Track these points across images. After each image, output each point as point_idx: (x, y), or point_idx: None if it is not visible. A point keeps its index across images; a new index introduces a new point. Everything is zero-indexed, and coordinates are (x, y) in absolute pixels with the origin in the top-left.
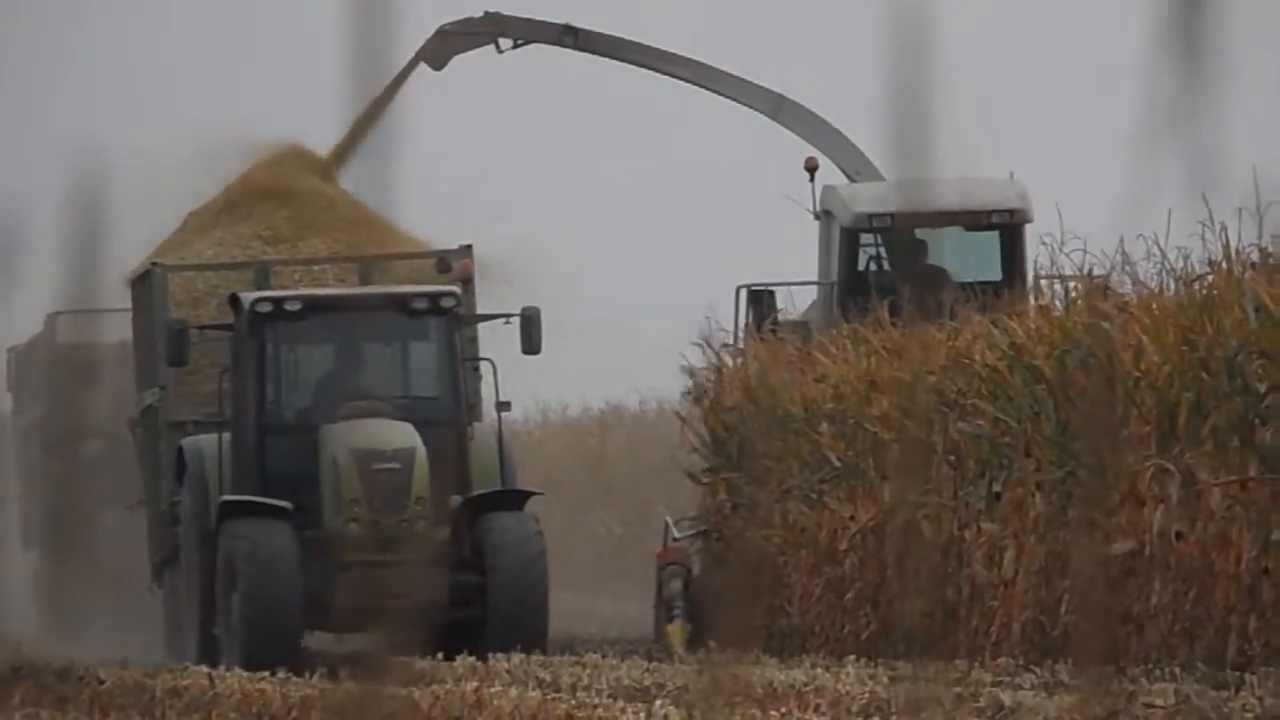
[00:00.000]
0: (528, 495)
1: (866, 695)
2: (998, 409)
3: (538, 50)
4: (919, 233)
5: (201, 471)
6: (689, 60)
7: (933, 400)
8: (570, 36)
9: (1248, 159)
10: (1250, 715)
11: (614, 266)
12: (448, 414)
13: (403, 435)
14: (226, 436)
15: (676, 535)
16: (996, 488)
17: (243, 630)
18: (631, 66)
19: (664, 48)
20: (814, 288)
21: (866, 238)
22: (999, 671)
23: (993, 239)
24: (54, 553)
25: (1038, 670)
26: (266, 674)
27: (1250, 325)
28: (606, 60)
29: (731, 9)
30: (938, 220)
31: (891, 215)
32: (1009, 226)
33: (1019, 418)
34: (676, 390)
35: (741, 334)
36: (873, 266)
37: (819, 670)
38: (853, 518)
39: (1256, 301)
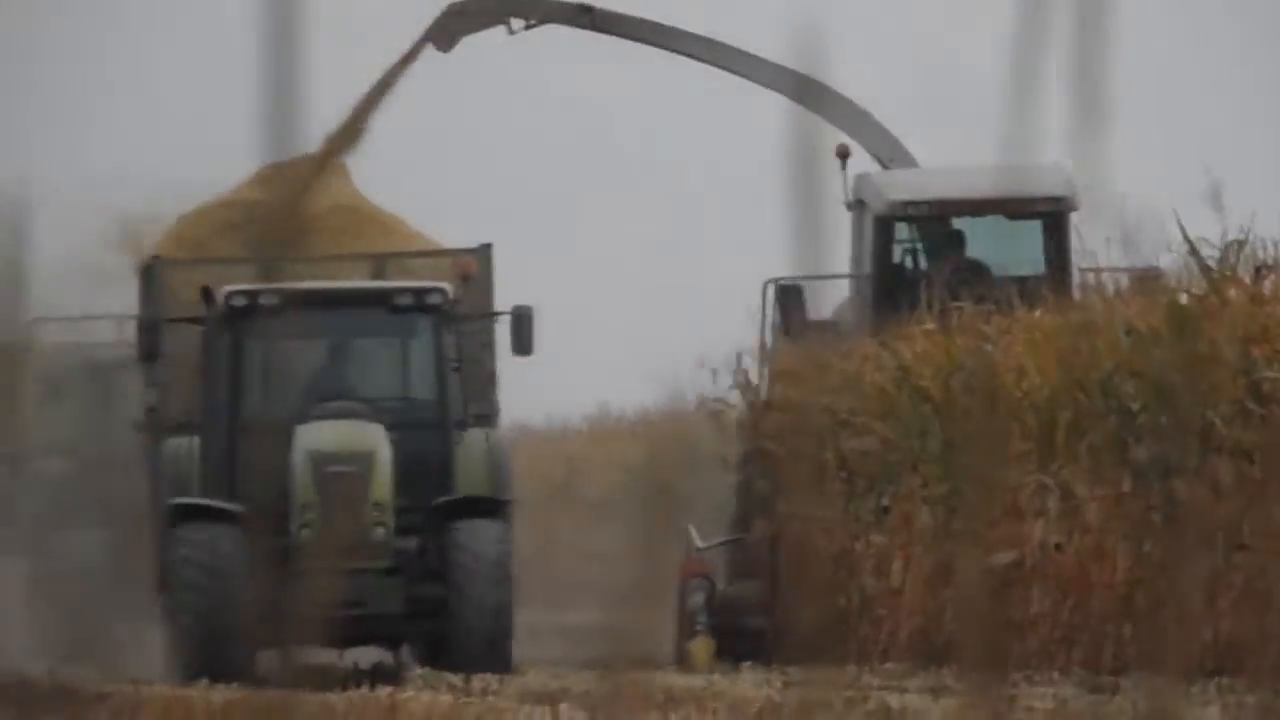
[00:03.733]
0: (502, 504)
1: (762, 699)
2: (887, 427)
3: (546, 32)
4: (956, 223)
5: (177, 475)
6: (709, 40)
7: (826, 419)
8: (586, 16)
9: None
10: (1125, 718)
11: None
12: (431, 416)
13: (363, 437)
14: (198, 439)
15: (700, 545)
16: (885, 502)
17: (185, 641)
18: (649, 48)
19: (683, 28)
20: (844, 287)
21: (901, 229)
22: (887, 676)
23: (1035, 229)
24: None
25: (924, 675)
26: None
27: (1123, 348)
28: (621, 41)
29: None
30: (978, 208)
31: (929, 203)
32: (1053, 215)
33: (907, 436)
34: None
35: (769, 333)
36: (908, 262)
37: (716, 676)
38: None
39: (1128, 325)
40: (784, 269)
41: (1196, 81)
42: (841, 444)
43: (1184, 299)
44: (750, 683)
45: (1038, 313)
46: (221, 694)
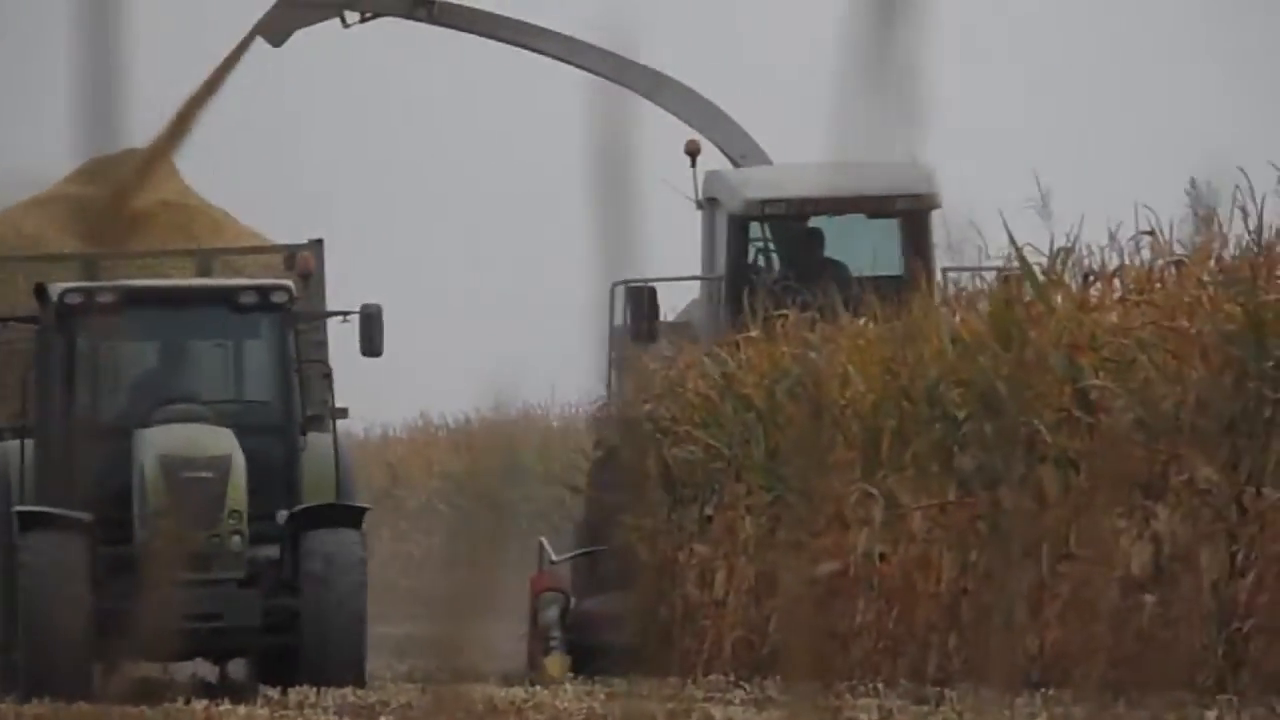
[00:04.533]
0: (360, 512)
1: (584, 711)
2: (709, 435)
3: (386, 24)
4: (813, 222)
5: (6, 481)
6: (558, 35)
7: (650, 427)
8: (425, 9)
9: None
10: None
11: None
12: (277, 420)
13: (217, 442)
14: (30, 442)
15: (554, 558)
16: (708, 511)
17: (28, 653)
18: (493, 42)
19: (530, 21)
20: (694, 289)
21: (756, 228)
22: (711, 688)
23: (894, 228)
24: None
25: (748, 686)
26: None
27: (948, 356)
28: (463, 35)
29: None
30: (838, 206)
31: (786, 201)
32: (914, 214)
33: (729, 444)
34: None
35: (617, 337)
36: (762, 261)
37: (538, 687)
38: None
39: (953, 333)
40: (621, 273)
41: (1024, 87)
42: (665, 452)
43: (1010, 305)
44: (573, 694)
45: (863, 320)
46: (34, 709)
